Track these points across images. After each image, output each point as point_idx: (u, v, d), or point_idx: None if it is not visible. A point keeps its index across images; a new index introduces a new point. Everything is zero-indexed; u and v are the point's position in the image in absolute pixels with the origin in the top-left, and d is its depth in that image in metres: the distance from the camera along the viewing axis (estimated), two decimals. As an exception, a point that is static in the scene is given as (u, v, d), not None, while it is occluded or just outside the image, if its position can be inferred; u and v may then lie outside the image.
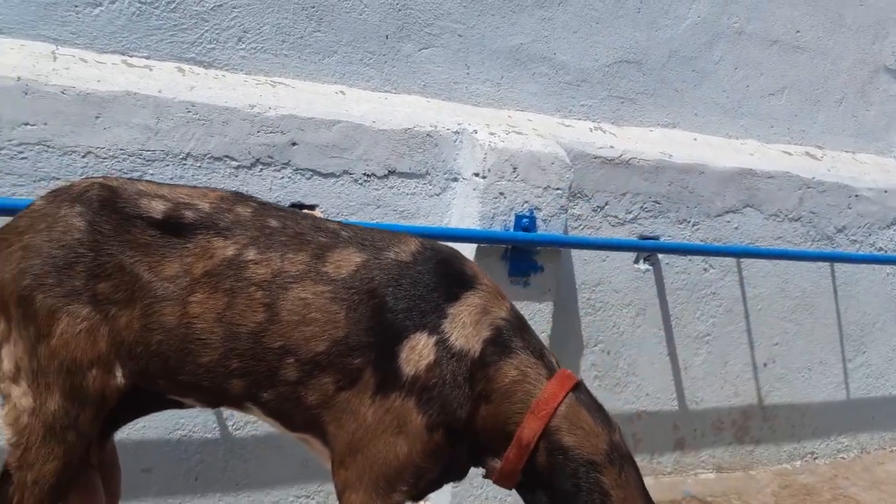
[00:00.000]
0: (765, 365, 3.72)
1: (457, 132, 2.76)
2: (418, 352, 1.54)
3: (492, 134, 2.72)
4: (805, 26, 3.80)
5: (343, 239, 1.63)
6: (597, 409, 1.61)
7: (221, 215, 1.59)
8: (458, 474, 1.72)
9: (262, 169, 2.50)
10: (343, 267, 1.58)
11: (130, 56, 2.42)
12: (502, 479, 1.61)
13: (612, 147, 3.12)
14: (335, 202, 2.63)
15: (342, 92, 2.73)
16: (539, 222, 2.75)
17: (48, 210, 1.55)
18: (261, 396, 1.60)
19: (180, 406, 1.74)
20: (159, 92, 2.32)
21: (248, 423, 2.60)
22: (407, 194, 2.74)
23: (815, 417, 3.92)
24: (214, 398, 1.67)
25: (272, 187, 2.52)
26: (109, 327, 1.52)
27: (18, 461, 1.53)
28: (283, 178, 2.54)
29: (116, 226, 1.54)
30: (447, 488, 2.89)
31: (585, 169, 3.03)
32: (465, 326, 1.56)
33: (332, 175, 2.61)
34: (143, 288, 1.53)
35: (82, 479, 1.66)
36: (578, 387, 1.60)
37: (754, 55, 3.68)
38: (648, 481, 3.40)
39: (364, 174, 2.65)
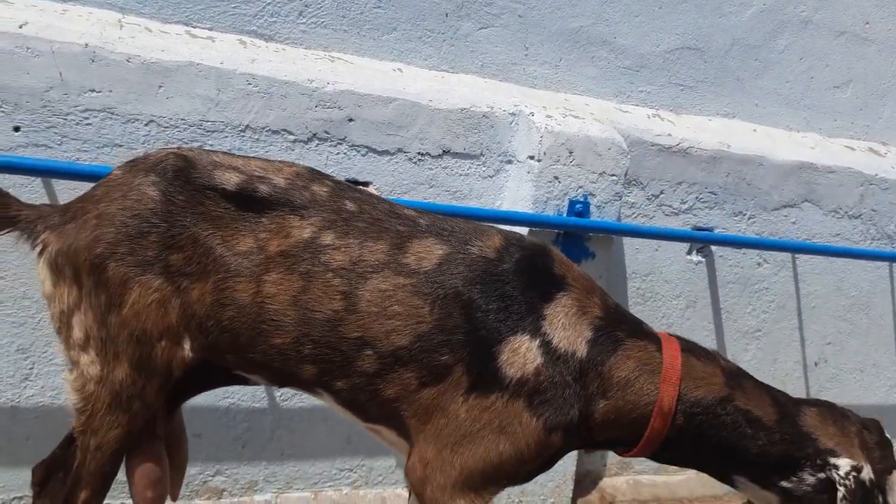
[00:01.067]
0: (816, 364, 3.63)
1: (513, 114, 2.74)
2: (522, 354, 1.52)
3: (549, 117, 2.69)
4: (875, 17, 3.67)
5: (422, 228, 1.60)
6: (696, 350, 1.66)
7: (297, 192, 1.57)
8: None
9: (318, 144, 2.51)
10: (425, 259, 1.56)
11: (194, 27, 2.45)
12: (645, 450, 1.64)
13: (669, 135, 3.06)
14: (388, 180, 2.63)
15: (399, 69, 2.72)
16: (592, 208, 2.72)
17: (124, 179, 1.56)
18: (333, 384, 1.59)
19: (246, 382, 1.74)
20: (221, 63, 2.34)
21: (296, 396, 2.63)
22: (460, 175, 2.72)
23: (865, 420, 3.83)
24: (283, 379, 1.67)
25: (327, 163, 2.52)
26: (181, 300, 1.52)
27: (83, 426, 1.56)
28: (338, 153, 2.55)
29: (190, 197, 1.54)
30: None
31: (642, 156, 2.98)
32: (565, 328, 1.56)
33: (386, 152, 2.61)
34: (216, 262, 1.53)
35: (147, 448, 1.67)
36: (679, 340, 1.65)
37: (820, 46, 3.57)
38: (690, 474, 3.37)
39: (419, 153, 2.65)
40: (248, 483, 2.69)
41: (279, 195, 1.56)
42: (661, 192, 3.07)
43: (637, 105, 3.20)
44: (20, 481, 2.35)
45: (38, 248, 1.54)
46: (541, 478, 2.92)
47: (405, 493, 2.94)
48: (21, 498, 2.37)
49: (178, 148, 1.63)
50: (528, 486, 2.90)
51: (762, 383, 1.69)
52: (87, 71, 2.16)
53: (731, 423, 1.61)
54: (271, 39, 2.55)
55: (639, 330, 1.65)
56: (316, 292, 1.53)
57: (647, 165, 3.01)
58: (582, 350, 1.56)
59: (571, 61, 3.03)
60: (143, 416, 1.59)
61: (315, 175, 1.63)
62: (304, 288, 1.53)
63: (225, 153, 1.63)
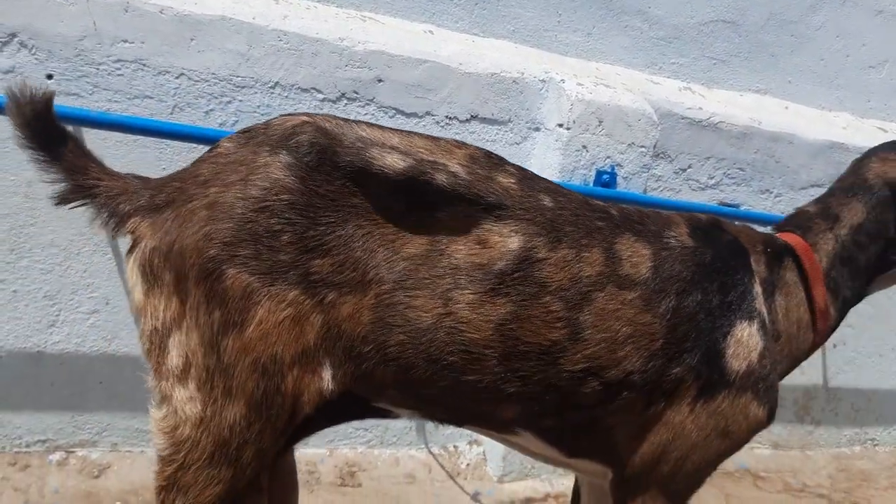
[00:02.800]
0: (834, 346, 3.61)
1: (543, 81, 2.71)
2: (745, 343, 1.37)
3: (580, 85, 2.66)
4: (915, -3, 3.59)
5: (617, 222, 1.36)
6: (812, 226, 1.59)
7: (484, 185, 1.24)
8: None
9: (346, 104, 2.50)
10: (640, 264, 1.33)
11: (226, -19, 2.43)
12: (821, 339, 1.57)
13: (700, 108, 3.02)
14: (416, 143, 2.61)
15: (431, 32, 2.70)
16: (619, 179, 2.70)
17: (241, 156, 1.20)
18: (540, 423, 1.34)
19: (388, 416, 1.40)
20: (253, 19, 2.32)
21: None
22: (487, 141, 2.71)
23: (880, 404, 3.82)
24: (466, 419, 1.39)
25: (355, 123, 2.51)
26: (324, 317, 1.17)
27: (168, 481, 1.20)
28: (366, 114, 2.54)
29: (340, 185, 1.19)
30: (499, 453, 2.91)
31: (671, 129, 2.95)
32: (765, 296, 1.45)
33: (414, 115, 2.59)
34: (378, 269, 1.19)
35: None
36: (797, 233, 1.58)
37: (857, 24, 3.50)
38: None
39: (446, 116, 2.63)
40: (266, 437, 2.73)
41: (462, 188, 1.22)
42: (689, 166, 3.05)
43: (668, 77, 3.15)
44: (43, 425, 2.40)
45: (129, 243, 1.21)
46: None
47: (418, 454, 2.98)
48: (44, 441, 2.42)
49: (309, 115, 1.26)
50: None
51: (824, 198, 1.64)
52: (120, 21, 2.15)
53: (857, 250, 1.56)
54: (303, -4, 2.53)
55: (779, 250, 1.54)
56: (532, 320, 1.23)
57: (676, 138, 2.98)
58: (766, 312, 1.45)
59: (604, 30, 2.99)
60: (255, 469, 1.22)
61: (491, 160, 1.30)
62: (514, 315, 1.22)
63: (370, 124, 1.27)
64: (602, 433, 1.38)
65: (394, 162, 1.20)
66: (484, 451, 3.05)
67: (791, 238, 1.58)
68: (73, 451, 2.45)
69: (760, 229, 1.63)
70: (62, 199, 1.22)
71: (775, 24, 3.34)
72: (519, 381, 1.26)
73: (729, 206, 3.15)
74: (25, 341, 2.31)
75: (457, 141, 1.32)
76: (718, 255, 1.42)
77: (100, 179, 1.20)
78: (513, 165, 1.32)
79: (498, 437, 1.47)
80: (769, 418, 1.41)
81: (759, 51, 3.33)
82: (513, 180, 1.27)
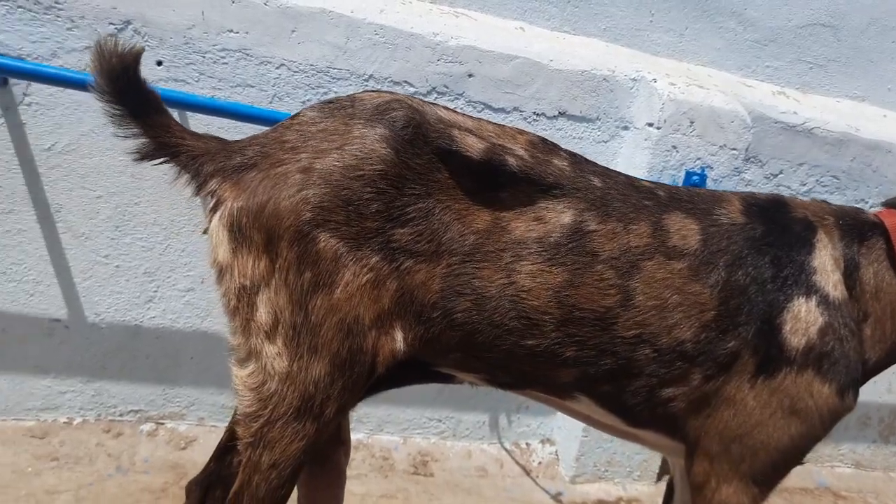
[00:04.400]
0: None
1: (634, 79, 2.69)
2: (804, 318, 1.37)
3: (672, 84, 2.63)
4: None
5: (664, 201, 1.42)
6: None
7: (544, 168, 1.33)
8: None
9: (436, 98, 2.54)
10: (688, 237, 1.38)
11: (327, -25, 2.50)
12: None
13: (795, 113, 2.95)
14: (503, 138, 2.63)
15: (522, 28, 2.71)
16: (709, 182, 2.65)
17: (333, 126, 1.26)
18: (597, 388, 1.40)
19: (451, 381, 1.49)
20: (351, 12, 2.38)
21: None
22: (574, 138, 2.70)
23: (973, 429, 3.64)
24: (526, 383, 1.45)
25: (445, 116, 2.55)
26: (399, 282, 1.24)
27: (254, 436, 1.24)
28: (455, 108, 2.57)
29: (427, 161, 1.26)
30: (576, 437, 2.90)
31: (764, 133, 2.88)
32: (833, 272, 1.42)
33: (502, 110, 2.61)
34: (451, 241, 1.27)
35: (326, 463, 1.44)
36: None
37: (965, 31, 3.35)
38: (781, 465, 3.30)
39: (534, 113, 2.64)
40: (343, 422, 2.79)
41: (527, 170, 1.32)
42: (781, 172, 2.97)
43: (762, 80, 3.08)
44: (137, 396, 2.52)
45: (210, 201, 1.24)
46: (629, 450, 2.92)
47: (491, 448, 2.99)
48: (136, 412, 2.54)
49: (392, 93, 1.35)
50: (616, 456, 2.90)
51: None
52: (227, 11, 2.24)
53: None
54: (399, -9, 2.58)
55: (862, 226, 1.50)
56: (586, 287, 1.31)
57: (768, 143, 2.91)
58: (844, 290, 1.43)
59: (697, 30, 2.95)
60: (333, 424, 1.30)
61: (547, 145, 1.40)
62: (570, 282, 1.30)
63: (444, 107, 1.39)
64: (660, 404, 1.41)
65: (473, 142, 1.30)
66: (557, 451, 3.04)
67: (887, 215, 1.50)
68: (162, 423, 2.56)
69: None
70: (144, 156, 1.26)
71: (876, 29, 3.22)
72: (575, 345, 1.33)
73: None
74: (125, 315, 2.43)
75: (518, 128, 1.42)
76: (772, 231, 1.42)
77: (182, 138, 1.25)
78: (565, 150, 1.42)
79: (559, 403, 1.51)
80: (840, 398, 1.38)
81: (857, 56, 3.22)
82: (566, 163, 1.38)
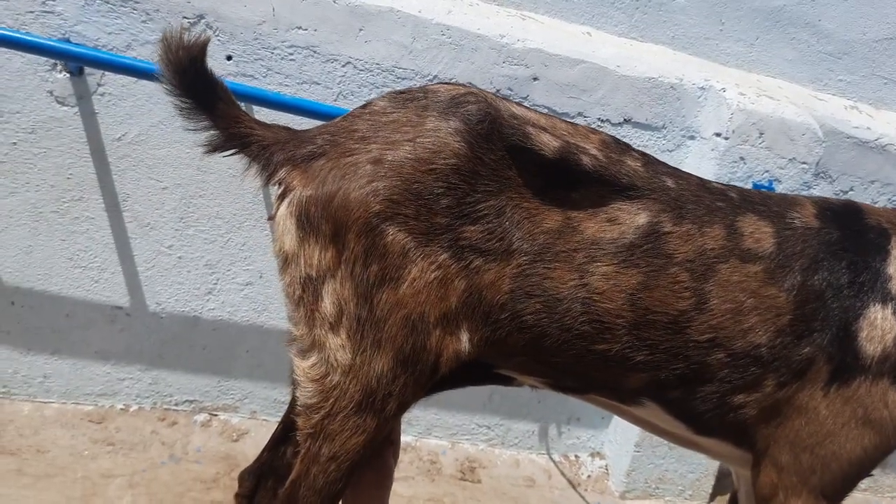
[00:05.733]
0: None
1: (702, 88, 2.64)
2: (880, 326, 1.33)
3: (742, 94, 2.57)
4: None
5: (737, 203, 1.39)
6: None
7: (617, 168, 1.30)
8: None
9: (500, 101, 2.52)
10: (762, 240, 1.35)
11: (395, -24, 2.51)
12: None
13: (868, 129, 2.85)
14: (565, 144, 2.60)
15: (589, 33, 2.68)
16: (776, 195, 2.58)
17: (405, 117, 1.23)
18: (667, 394, 1.36)
19: (510, 383, 1.46)
20: (419, 12, 2.39)
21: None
22: (639, 146, 2.64)
23: None
24: (593, 388, 1.41)
25: (508, 120, 2.53)
26: (467, 281, 1.21)
27: (315, 428, 1.23)
28: (518, 112, 2.55)
29: (501, 157, 1.23)
30: (628, 452, 2.84)
31: (835, 148, 2.79)
32: None
33: (566, 115, 2.58)
34: (522, 241, 1.23)
35: (378, 460, 1.41)
36: None
37: None
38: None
39: (599, 119, 2.60)
40: (392, 424, 2.78)
41: (601, 170, 1.29)
42: (851, 189, 2.88)
43: (834, 94, 3.00)
44: (192, 386, 2.55)
45: (279, 189, 1.22)
46: (681, 468, 2.85)
47: (539, 459, 2.95)
48: (191, 402, 2.56)
49: (468, 86, 1.32)
50: (668, 473, 2.83)
51: None
52: (296, 8, 2.26)
53: None
54: (467, -7, 2.58)
55: None
56: (660, 290, 1.28)
57: (839, 158, 2.82)
58: None
59: (769, 41, 2.88)
60: (394, 421, 1.28)
61: (619, 145, 1.37)
62: (644, 285, 1.27)
63: (519, 103, 1.35)
64: (731, 411, 1.37)
65: (549, 140, 1.25)
66: (607, 465, 2.98)
67: None
68: (216, 414, 2.58)
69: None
70: (215, 148, 1.25)
71: (957, 44, 3.11)
72: (647, 349, 1.30)
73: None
74: (185, 305, 2.46)
75: (590, 127, 1.38)
76: (847, 236, 1.39)
77: (252, 129, 1.24)
78: (637, 150, 1.37)
79: (623, 410, 1.48)
80: None
81: (936, 72, 3.11)
82: (639, 164, 1.34)
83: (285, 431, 1.43)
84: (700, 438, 1.46)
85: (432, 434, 2.86)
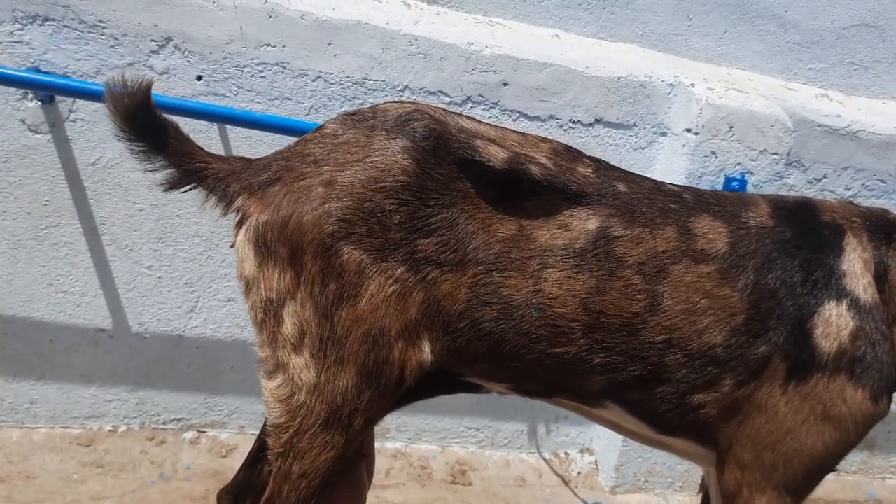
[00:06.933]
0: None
1: (672, 85, 2.66)
2: (835, 323, 1.35)
3: (710, 89, 2.59)
4: None
5: (691, 204, 1.40)
6: None
7: (567, 175, 1.32)
8: None
9: (472, 107, 2.54)
10: (716, 241, 1.36)
11: (362, -13, 2.53)
12: None
13: (839, 116, 2.88)
14: (539, 146, 2.62)
15: (557, 36, 2.70)
16: (749, 187, 2.61)
17: (355, 138, 1.25)
18: (627, 396, 1.38)
19: (478, 391, 1.49)
20: (387, 24, 2.40)
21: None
22: (611, 145, 2.68)
23: None
24: (554, 391, 1.44)
25: (480, 125, 2.55)
26: (425, 293, 1.23)
27: (284, 447, 1.24)
28: (490, 117, 2.57)
29: (450, 171, 1.25)
30: (616, 447, 2.87)
31: (806, 137, 2.82)
32: (863, 275, 1.39)
33: (538, 118, 2.61)
34: (476, 250, 1.26)
35: (350, 475, 1.41)
36: None
37: None
38: (829, 477, 3.22)
39: (570, 120, 2.63)
40: (381, 431, 2.80)
41: (551, 178, 1.31)
42: (825, 176, 2.91)
43: (804, 83, 3.02)
44: (179, 405, 2.57)
45: (236, 217, 1.24)
46: (670, 461, 2.88)
47: (529, 458, 2.98)
48: (179, 420, 2.58)
49: (414, 103, 1.34)
50: (657, 466, 2.86)
51: None
52: (264, 25, 2.28)
53: None
54: (434, 2, 2.60)
55: (889, 227, 1.46)
56: (612, 293, 1.30)
57: (811, 147, 2.85)
58: (876, 293, 1.40)
59: (737, 34, 2.91)
60: (362, 436, 1.30)
61: (570, 152, 1.39)
62: (597, 288, 1.29)
63: (468, 116, 1.38)
64: (691, 410, 1.39)
65: (496, 152, 1.29)
66: (596, 461, 3.01)
67: None
68: (204, 431, 2.60)
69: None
70: (172, 185, 1.27)
71: (925, 28, 3.14)
72: (603, 352, 1.32)
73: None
74: (167, 325, 2.48)
75: (541, 136, 1.41)
76: (801, 234, 1.40)
77: (207, 163, 1.27)
78: (589, 157, 1.40)
79: (588, 412, 1.50)
80: (875, 403, 1.35)
81: (905, 56, 3.14)
82: (590, 170, 1.36)
83: (261, 450, 1.45)
84: (665, 438, 1.48)
85: (422, 439, 2.89)
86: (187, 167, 1.26)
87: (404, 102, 1.34)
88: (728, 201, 1.44)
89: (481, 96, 2.54)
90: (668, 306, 1.31)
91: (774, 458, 1.37)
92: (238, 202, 1.23)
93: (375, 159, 1.22)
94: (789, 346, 1.35)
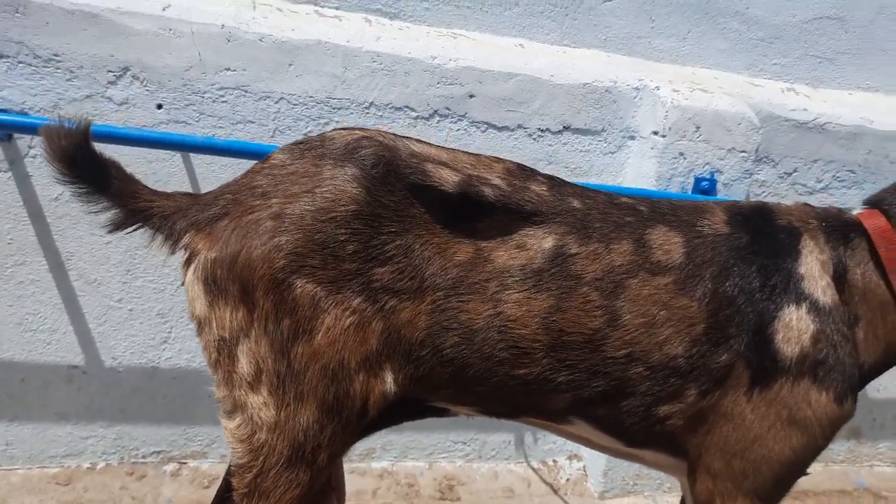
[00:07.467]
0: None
1: (637, 88, 2.66)
2: (796, 327, 1.34)
3: (675, 91, 2.59)
4: None
5: (646, 216, 1.40)
6: (889, 201, 1.48)
7: (521, 195, 1.32)
8: None
9: (439, 120, 2.53)
10: (672, 251, 1.36)
11: (321, 6, 2.51)
12: None
13: (805, 110, 2.89)
14: (508, 157, 2.60)
15: (521, 45, 2.70)
16: (720, 186, 2.61)
17: (303, 169, 1.23)
18: (593, 411, 1.38)
19: (444, 415, 1.49)
20: (347, 42, 2.38)
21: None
22: (581, 151, 2.68)
23: None
24: (520, 412, 1.43)
25: (448, 139, 2.54)
26: (384, 323, 1.22)
27: (249, 487, 1.23)
28: (458, 130, 2.56)
29: (402, 197, 1.24)
30: (600, 469, 2.86)
31: (774, 132, 2.83)
32: (821, 277, 1.38)
33: (506, 129, 2.60)
34: (434, 276, 1.25)
35: None
36: (882, 213, 1.47)
37: (978, 11, 3.27)
38: (816, 468, 3.22)
39: (538, 129, 2.62)
40: (366, 451, 2.78)
41: (504, 199, 1.30)
42: (795, 170, 2.92)
43: (770, 79, 3.03)
44: (158, 437, 2.52)
45: (184, 255, 1.22)
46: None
47: (517, 468, 2.96)
48: (158, 452, 2.54)
49: (364, 129, 1.33)
50: (644, 469, 2.85)
51: None
52: (223, 50, 2.25)
53: None
54: (396, 17, 2.58)
55: (845, 227, 1.46)
56: (572, 311, 1.29)
57: (779, 142, 2.86)
58: (836, 294, 1.39)
59: (700, 33, 2.91)
60: (327, 471, 1.28)
61: (524, 171, 1.39)
62: (556, 307, 1.29)
63: (417, 140, 1.36)
64: (657, 422, 1.38)
65: (447, 175, 1.28)
66: (584, 467, 3.00)
67: (867, 216, 1.46)
68: (185, 463, 2.56)
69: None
70: (117, 226, 1.25)
71: (886, 17, 3.16)
72: (566, 370, 1.31)
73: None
74: (141, 357, 2.44)
75: (494, 157, 1.40)
76: (757, 239, 1.40)
77: (152, 201, 1.24)
78: (543, 175, 1.40)
79: (556, 429, 1.49)
80: (839, 404, 1.35)
81: (868, 47, 3.16)
82: (544, 188, 1.36)
83: (227, 489, 1.42)
84: (635, 450, 1.48)
85: (408, 456, 2.86)
86: (131, 207, 1.23)
87: (353, 129, 1.32)
88: (683, 210, 1.44)
89: (448, 109, 2.53)
90: (627, 320, 1.31)
91: (744, 466, 1.36)
92: (185, 240, 1.21)
93: (325, 189, 1.20)
94: (751, 353, 1.34)
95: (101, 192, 1.22)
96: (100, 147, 1.26)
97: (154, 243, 1.24)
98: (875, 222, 1.44)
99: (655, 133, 2.58)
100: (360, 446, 2.71)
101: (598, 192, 1.43)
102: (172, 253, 1.22)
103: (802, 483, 3.28)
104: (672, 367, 1.33)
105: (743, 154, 2.64)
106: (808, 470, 1.44)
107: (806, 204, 1.53)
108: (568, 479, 2.99)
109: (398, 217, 1.24)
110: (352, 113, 2.43)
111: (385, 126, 2.47)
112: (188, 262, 1.21)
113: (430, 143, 1.37)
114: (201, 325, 1.22)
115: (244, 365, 1.19)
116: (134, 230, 1.25)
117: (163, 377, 2.47)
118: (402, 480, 2.79)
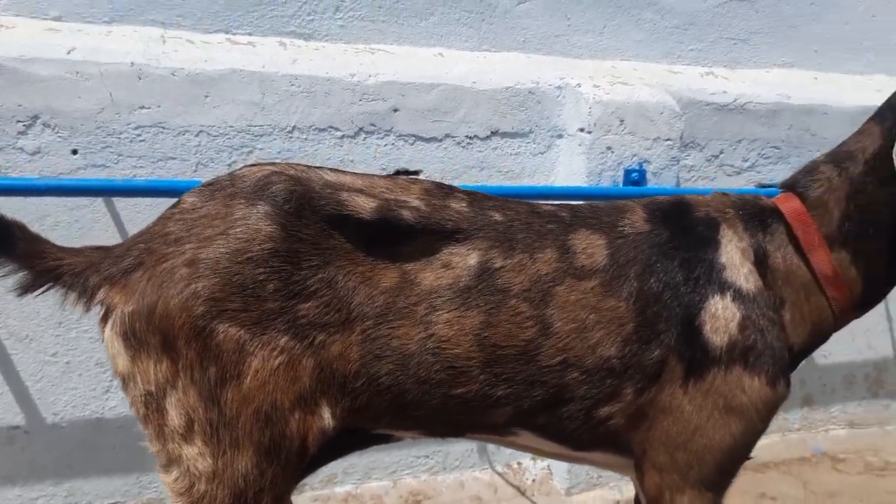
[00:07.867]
0: (900, 315, 3.48)
1: (559, 87, 2.68)
2: (722, 316, 1.36)
3: (596, 87, 2.62)
4: (939, -56, 3.45)
5: (568, 222, 1.41)
6: (808, 182, 1.47)
7: (441, 214, 1.32)
8: None
9: (365, 137, 2.51)
10: (595, 254, 1.37)
11: (234, 34, 2.47)
12: (846, 319, 1.50)
13: (724, 92, 2.95)
14: (439, 166, 2.61)
15: (441, 54, 2.70)
16: (649, 175, 2.65)
17: (214, 210, 1.21)
18: (534, 421, 1.39)
19: (387, 441, 1.48)
20: (263, 67, 2.36)
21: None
22: (511, 154, 2.69)
23: (958, 370, 3.65)
24: (462, 430, 1.44)
25: (376, 155, 2.52)
26: (315, 358, 1.21)
27: None
28: (386, 145, 2.55)
29: (318, 229, 1.23)
30: (564, 466, 2.87)
31: (697, 117, 2.88)
32: (742, 265, 1.40)
33: (434, 139, 2.59)
34: (361, 306, 1.24)
35: None
36: (797, 195, 1.47)
37: (880, -18, 3.39)
38: (774, 438, 3.29)
39: (466, 136, 2.62)
40: (328, 476, 2.74)
41: (423, 220, 1.30)
42: (721, 152, 2.98)
43: (689, 64, 3.09)
44: (111, 488, 2.46)
45: (100, 311, 1.20)
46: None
47: (482, 475, 2.96)
48: (114, 503, 2.47)
49: (273, 164, 1.31)
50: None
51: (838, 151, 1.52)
52: (135, 88, 2.21)
53: (880, 188, 1.42)
54: (311, 38, 2.56)
55: (762, 213, 1.48)
56: (503, 325, 1.30)
57: (703, 126, 2.92)
58: (758, 279, 1.41)
59: (616, 27, 2.95)
60: None
61: (442, 190, 1.39)
62: (487, 323, 1.29)
63: (330, 169, 1.35)
64: (599, 424, 1.40)
65: (363, 202, 1.27)
66: (549, 466, 3.01)
67: (782, 200, 1.49)
68: (142, 511, 2.50)
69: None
70: (26, 289, 1.21)
71: (792, -6, 3.25)
72: (504, 384, 1.32)
73: (768, 187, 3.07)
74: (83, 409, 2.37)
75: (410, 178, 1.40)
76: (676, 234, 1.42)
77: (61, 259, 1.21)
78: (462, 191, 1.40)
79: (502, 441, 1.50)
80: (772, 387, 1.37)
81: (779, 25, 3.25)
82: (464, 204, 1.36)
83: None
84: (582, 454, 1.49)
85: (372, 477, 2.83)
86: (39, 268, 1.19)
87: (263, 165, 1.30)
88: (604, 212, 1.45)
89: (373, 125, 2.51)
90: (558, 328, 1.32)
91: (688, 458, 1.38)
92: (100, 295, 1.18)
93: (238, 230, 1.18)
94: (682, 346, 1.36)
95: (5, 254, 1.18)
96: (16, 201, 1.21)
97: (67, 302, 1.20)
98: (791, 205, 1.46)
99: (581, 130, 2.61)
100: (321, 472, 2.68)
101: (519, 203, 1.43)
102: (88, 310, 1.19)
103: (761, 455, 3.35)
104: (607, 369, 1.35)
105: (668, 142, 2.68)
106: (751, 454, 1.47)
107: (723, 193, 1.55)
108: (534, 480, 2.99)
109: (317, 250, 1.22)
110: (275, 138, 2.40)
111: (311, 148, 2.44)
112: (105, 318, 1.18)
113: (344, 171, 1.36)
114: (126, 381, 1.19)
115: (174, 417, 1.17)
116: (44, 291, 1.20)
117: (109, 427, 2.40)
118: (367, 502, 2.76)
